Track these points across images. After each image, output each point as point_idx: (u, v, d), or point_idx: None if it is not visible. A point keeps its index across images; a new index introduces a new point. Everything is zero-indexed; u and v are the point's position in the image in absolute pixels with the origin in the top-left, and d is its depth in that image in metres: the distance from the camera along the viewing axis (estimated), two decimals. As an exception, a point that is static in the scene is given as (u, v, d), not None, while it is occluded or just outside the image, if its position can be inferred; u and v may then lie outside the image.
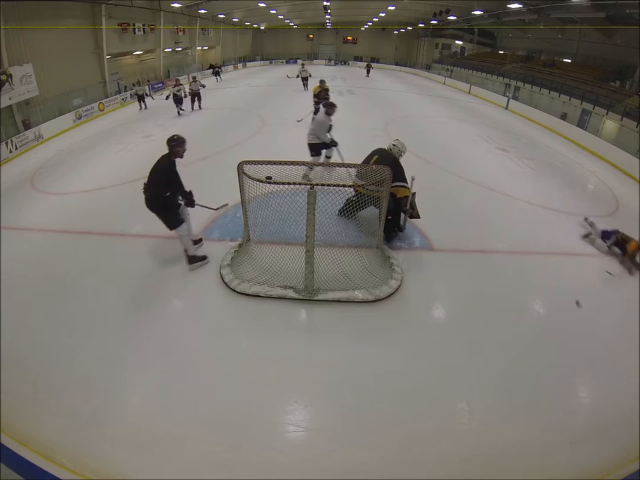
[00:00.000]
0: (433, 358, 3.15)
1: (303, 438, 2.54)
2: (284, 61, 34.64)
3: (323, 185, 3.33)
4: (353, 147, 6.39)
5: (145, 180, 3.80)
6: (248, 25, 32.57)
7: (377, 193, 4.00)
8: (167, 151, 3.75)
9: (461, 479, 2.35)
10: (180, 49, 22.53)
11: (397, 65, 33.50)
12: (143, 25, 17.66)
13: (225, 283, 3.81)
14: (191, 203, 4.03)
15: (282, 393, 2.84)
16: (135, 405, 2.77)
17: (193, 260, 4.15)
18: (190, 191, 4.01)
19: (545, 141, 11.12)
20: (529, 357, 3.19)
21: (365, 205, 4.16)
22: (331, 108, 5.79)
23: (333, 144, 5.94)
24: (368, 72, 25.21)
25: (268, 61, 35.05)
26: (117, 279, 4.01)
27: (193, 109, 12.78)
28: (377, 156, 4.55)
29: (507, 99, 16.74)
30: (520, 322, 3.60)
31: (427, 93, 19.14)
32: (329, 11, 25.97)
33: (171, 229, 3.94)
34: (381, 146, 4.73)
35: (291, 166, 3.62)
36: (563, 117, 13.25)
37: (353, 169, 4.42)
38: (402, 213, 4.59)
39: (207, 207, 4.42)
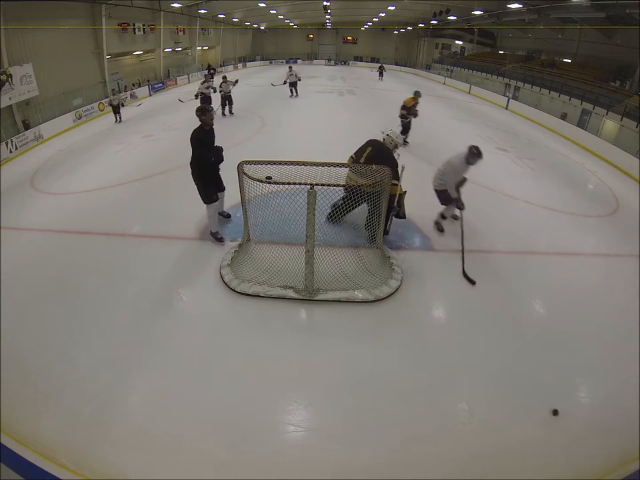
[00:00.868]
0: (433, 358, 3.15)
1: (302, 438, 2.54)
2: (284, 60, 34.63)
3: (323, 185, 3.32)
4: (353, 147, 6.38)
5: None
6: (248, 25, 32.59)
7: (370, 189, 3.76)
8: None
9: (460, 479, 2.35)
10: (180, 49, 22.54)
11: (397, 64, 33.48)
12: (143, 25, 17.67)
13: (225, 283, 3.81)
14: (219, 157, 4.30)
15: (282, 392, 2.83)
16: (134, 405, 2.77)
17: (212, 235, 4.56)
18: (220, 147, 4.33)
19: (544, 140, 11.10)
20: (529, 357, 3.18)
21: (356, 205, 4.05)
22: (474, 157, 4.38)
23: (459, 205, 4.59)
24: (381, 74, 23.03)
25: (268, 61, 35.09)
26: (116, 279, 4.01)
27: (224, 114, 10.95)
28: (370, 148, 4.43)
29: (506, 98, 16.74)
30: (520, 322, 3.60)
31: (427, 92, 19.03)
32: (328, 10, 25.96)
33: (204, 203, 4.34)
34: None
35: (291, 166, 3.61)
36: (563, 116, 13.25)
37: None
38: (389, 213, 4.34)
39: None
